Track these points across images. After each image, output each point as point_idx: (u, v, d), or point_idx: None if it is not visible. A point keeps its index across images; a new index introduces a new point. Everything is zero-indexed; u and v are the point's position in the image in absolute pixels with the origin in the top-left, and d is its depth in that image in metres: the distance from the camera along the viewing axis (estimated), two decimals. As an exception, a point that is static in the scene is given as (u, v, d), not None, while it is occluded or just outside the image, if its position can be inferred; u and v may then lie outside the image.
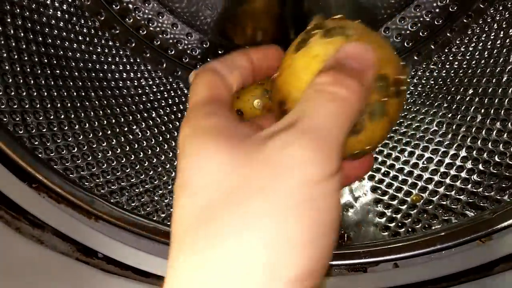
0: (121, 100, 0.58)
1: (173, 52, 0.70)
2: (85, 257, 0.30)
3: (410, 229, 0.48)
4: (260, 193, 0.17)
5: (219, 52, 0.72)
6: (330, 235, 0.18)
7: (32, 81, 0.46)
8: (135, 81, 0.63)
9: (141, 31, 0.68)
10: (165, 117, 0.62)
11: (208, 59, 0.72)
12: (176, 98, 0.67)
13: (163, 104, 0.64)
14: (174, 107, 0.65)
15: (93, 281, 0.29)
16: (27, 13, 0.49)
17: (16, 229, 0.29)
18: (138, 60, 0.67)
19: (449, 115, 0.55)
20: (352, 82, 0.20)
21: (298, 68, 0.22)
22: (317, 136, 0.18)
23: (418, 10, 0.66)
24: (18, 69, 0.45)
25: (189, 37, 0.70)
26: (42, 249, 0.29)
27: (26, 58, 0.47)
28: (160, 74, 0.69)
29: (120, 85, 0.60)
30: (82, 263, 0.30)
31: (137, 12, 0.68)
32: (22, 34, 0.48)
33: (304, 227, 0.17)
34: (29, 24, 0.49)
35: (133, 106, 0.59)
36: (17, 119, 0.43)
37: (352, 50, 0.21)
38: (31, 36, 0.49)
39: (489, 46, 0.55)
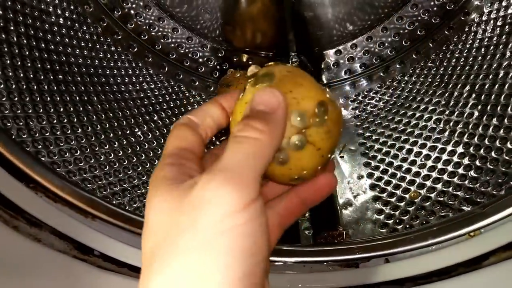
0: (123, 103, 0.59)
1: (174, 56, 0.72)
2: (82, 255, 0.31)
3: (408, 226, 0.49)
4: (187, 231, 0.21)
5: (219, 55, 0.73)
6: (259, 253, 0.21)
7: (35, 87, 0.48)
8: (137, 85, 0.64)
9: (142, 36, 0.70)
10: (167, 120, 0.63)
11: (209, 62, 0.73)
12: (178, 101, 0.68)
13: (164, 107, 0.65)
14: (176, 109, 0.66)
15: (90, 278, 0.30)
16: (30, 20, 0.51)
17: (14, 227, 0.30)
18: (140, 64, 0.68)
19: (447, 112, 0.55)
20: (259, 124, 0.23)
21: (236, 113, 0.26)
22: (231, 174, 0.21)
23: (415, 9, 0.67)
24: (22, 75, 0.47)
25: (190, 41, 0.72)
26: (40, 247, 0.30)
27: (29, 64, 0.48)
28: (161, 77, 0.70)
29: (122, 89, 0.61)
30: (79, 261, 0.30)
31: (138, 17, 0.69)
32: (25, 41, 0.49)
33: (230, 253, 0.20)
34: (32, 31, 0.51)
35: (135, 109, 0.60)
36: (21, 123, 0.44)
37: (261, 96, 0.24)
38: (34, 43, 0.50)
39: (485, 43, 0.56)
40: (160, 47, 0.71)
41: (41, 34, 0.52)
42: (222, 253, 0.20)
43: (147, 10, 0.69)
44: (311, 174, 0.26)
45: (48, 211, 0.32)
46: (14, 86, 0.45)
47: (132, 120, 0.59)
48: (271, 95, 0.24)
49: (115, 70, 0.63)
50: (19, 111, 0.44)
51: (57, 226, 0.31)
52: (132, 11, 0.69)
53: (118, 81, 0.62)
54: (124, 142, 0.55)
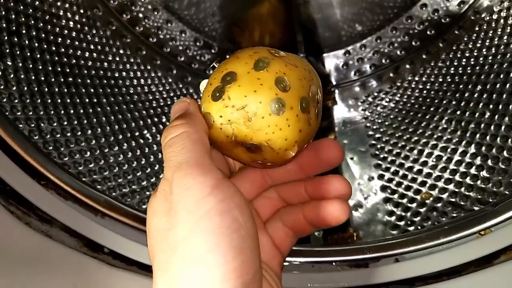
0: (132, 106, 0.59)
1: (182, 59, 0.72)
2: (92, 252, 0.31)
3: (419, 227, 0.48)
4: (172, 228, 0.22)
5: (227, 57, 0.73)
6: (242, 228, 0.22)
7: (46, 89, 0.48)
8: (146, 88, 0.65)
9: (151, 39, 0.70)
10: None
11: (216, 65, 0.73)
12: (186, 103, 0.68)
13: (173, 109, 0.65)
14: (184, 111, 0.66)
15: (100, 274, 0.30)
16: (41, 24, 0.51)
17: (26, 223, 0.31)
18: (149, 67, 0.69)
19: (458, 112, 0.55)
20: (178, 121, 0.24)
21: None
22: (186, 167, 0.22)
23: (424, 9, 0.66)
24: (33, 77, 0.47)
25: (198, 43, 0.72)
26: (51, 243, 0.30)
27: (40, 67, 0.49)
28: (170, 80, 0.70)
29: (131, 91, 0.62)
30: (90, 258, 0.31)
31: (146, 20, 0.70)
32: (36, 44, 0.50)
33: (212, 232, 0.21)
34: (43, 35, 0.51)
35: (144, 112, 0.60)
36: (32, 125, 0.45)
37: (173, 108, 0.27)
38: (45, 46, 0.51)
39: (496, 42, 0.55)
40: (169, 50, 0.72)
41: (52, 37, 0.52)
42: (207, 236, 0.21)
43: (156, 13, 0.70)
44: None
45: (59, 208, 0.32)
46: (25, 89, 0.46)
47: (141, 122, 0.59)
48: (180, 102, 0.27)
49: (124, 73, 0.64)
50: (30, 113, 0.45)
51: (67, 222, 0.31)
52: (140, 15, 0.69)
53: (127, 83, 0.63)
54: (133, 144, 0.55)
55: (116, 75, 0.61)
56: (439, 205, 0.48)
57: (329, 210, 0.26)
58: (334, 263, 0.35)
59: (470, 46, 0.60)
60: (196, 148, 0.23)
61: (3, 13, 0.46)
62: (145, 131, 0.58)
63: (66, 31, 0.56)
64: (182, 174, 0.22)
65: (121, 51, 0.66)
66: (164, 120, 0.62)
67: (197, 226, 0.21)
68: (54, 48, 0.52)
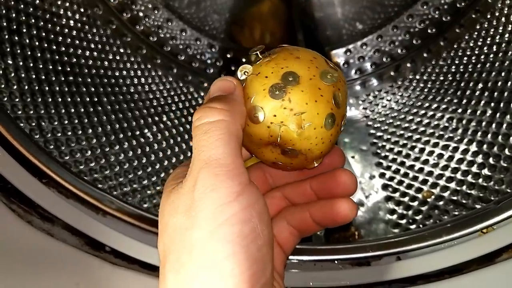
0: (132, 104, 0.59)
1: (183, 58, 0.72)
2: (93, 251, 0.31)
3: (421, 225, 0.48)
4: (188, 231, 0.21)
5: (228, 56, 0.73)
6: (260, 238, 0.21)
7: (46, 88, 0.48)
8: (146, 86, 0.65)
9: (151, 38, 0.70)
10: (176, 121, 0.63)
11: (218, 63, 0.73)
12: (186, 102, 0.68)
13: (173, 108, 0.65)
14: (184, 110, 0.66)
15: (102, 273, 0.30)
16: (42, 23, 0.51)
17: (28, 222, 0.31)
18: (149, 66, 0.69)
19: (459, 111, 0.55)
20: (219, 104, 0.23)
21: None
22: (213, 166, 0.21)
23: (425, 7, 0.66)
24: (34, 76, 0.47)
25: (198, 42, 0.72)
26: (53, 242, 0.30)
27: (41, 66, 0.49)
28: (170, 79, 0.70)
29: (132, 90, 0.62)
30: (92, 256, 0.31)
31: (147, 19, 0.69)
32: (37, 43, 0.49)
33: (232, 241, 0.20)
34: (44, 34, 0.51)
35: (144, 110, 0.60)
36: (33, 124, 0.45)
37: (215, 84, 0.25)
38: (46, 45, 0.51)
39: (497, 41, 0.55)
40: (169, 48, 0.71)
41: (52, 36, 0.52)
42: (225, 243, 0.20)
43: (156, 11, 0.70)
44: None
45: (61, 206, 0.32)
46: (26, 87, 0.46)
47: (142, 121, 0.59)
48: (225, 81, 0.24)
49: (124, 72, 0.64)
50: (31, 112, 0.45)
51: (69, 221, 0.31)
52: (141, 13, 0.69)
53: (128, 82, 0.63)
54: (134, 143, 0.55)
55: (117, 74, 0.61)
56: (440, 203, 0.48)
57: (339, 208, 0.26)
58: (336, 262, 0.35)
59: (471, 44, 0.60)
60: (231, 143, 0.22)
61: (4, 11, 0.46)
62: (146, 130, 0.58)
63: (66, 30, 0.55)
64: (211, 174, 0.21)
65: (122, 50, 0.66)
66: (164, 119, 0.62)
67: (216, 232, 0.20)
68: (54, 47, 0.52)
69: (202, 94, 0.72)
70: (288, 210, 0.28)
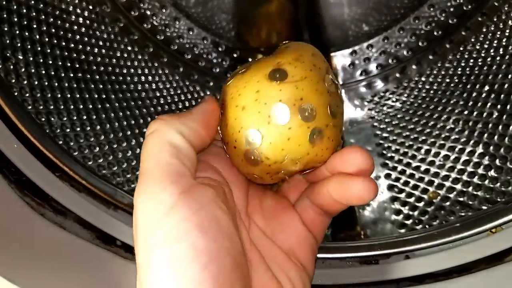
0: (140, 102, 0.60)
1: (189, 56, 0.72)
2: (104, 245, 0.31)
3: (427, 226, 0.48)
4: (137, 251, 0.20)
5: (234, 55, 0.73)
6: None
7: (56, 84, 0.48)
8: (153, 84, 0.65)
9: (158, 36, 0.70)
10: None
11: (224, 63, 0.73)
12: (193, 101, 0.68)
13: (180, 106, 0.65)
14: (191, 109, 0.66)
15: (114, 266, 0.30)
16: (52, 19, 0.52)
17: (41, 214, 0.31)
18: (156, 64, 0.69)
19: (465, 112, 0.55)
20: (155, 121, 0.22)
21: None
22: (144, 178, 0.20)
23: (432, 9, 0.67)
24: (43, 72, 0.47)
25: (205, 41, 0.72)
26: (65, 235, 0.30)
27: (50, 62, 0.49)
28: (177, 77, 0.70)
29: (139, 88, 0.62)
30: (104, 250, 0.31)
31: (154, 18, 0.70)
32: (47, 39, 0.50)
33: (162, 272, 0.19)
34: (54, 30, 0.51)
35: (151, 108, 0.60)
36: (43, 119, 0.45)
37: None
38: (55, 41, 0.51)
39: (504, 43, 0.55)
40: (176, 47, 0.72)
41: (62, 32, 0.53)
42: (162, 270, 0.18)
43: (163, 10, 0.70)
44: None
45: (73, 199, 0.32)
46: (36, 83, 0.46)
47: (149, 118, 0.59)
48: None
49: (131, 70, 0.64)
50: (41, 107, 0.45)
51: (81, 214, 0.32)
52: (148, 12, 0.69)
53: (135, 80, 0.63)
54: (141, 140, 0.55)
55: (124, 71, 0.61)
56: (446, 204, 0.49)
57: (352, 188, 0.24)
58: (344, 260, 0.35)
59: (477, 47, 0.61)
60: (163, 152, 0.21)
61: (15, 7, 0.46)
62: (153, 128, 0.59)
63: (75, 27, 0.56)
64: (142, 190, 0.20)
65: (129, 48, 0.66)
66: (171, 117, 0.62)
67: (151, 255, 0.19)
68: (64, 44, 0.52)
69: (208, 93, 0.72)
70: (309, 189, 0.27)
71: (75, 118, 0.49)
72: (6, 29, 0.44)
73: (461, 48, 0.64)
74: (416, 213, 0.51)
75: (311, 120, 0.23)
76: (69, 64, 0.52)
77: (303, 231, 0.26)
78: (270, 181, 0.26)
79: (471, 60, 0.60)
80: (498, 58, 0.55)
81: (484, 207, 0.45)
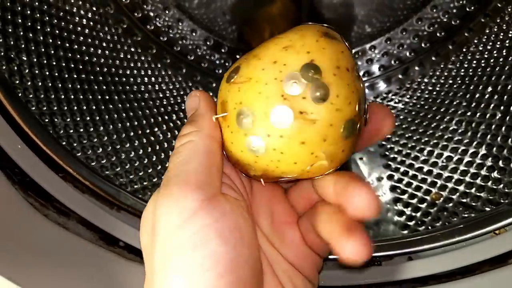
0: (143, 103, 0.60)
1: (192, 58, 0.72)
2: (107, 246, 0.31)
3: (429, 227, 0.48)
4: (152, 254, 0.20)
5: (237, 56, 0.74)
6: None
7: (59, 85, 0.49)
8: (156, 85, 0.65)
9: (161, 38, 0.70)
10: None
11: (227, 64, 0.74)
12: (196, 102, 0.68)
13: (183, 107, 0.66)
14: (194, 110, 0.66)
15: (117, 267, 0.30)
16: (55, 20, 0.52)
17: (44, 215, 0.31)
18: (159, 66, 0.69)
19: (468, 114, 0.55)
20: (187, 128, 0.23)
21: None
22: (169, 187, 0.20)
23: (435, 10, 0.67)
24: (47, 73, 0.48)
25: (208, 43, 0.72)
26: (68, 235, 0.31)
27: (54, 63, 0.49)
28: (180, 78, 0.71)
29: (142, 89, 0.62)
30: (107, 251, 0.31)
31: (158, 19, 0.70)
32: (50, 41, 0.50)
33: (180, 276, 0.19)
34: (57, 31, 0.52)
35: (155, 109, 0.61)
36: (46, 120, 0.45)
37: (186, 103, 0.25)
38: (59, 42, 0.51)
39: (506, 44, 0.55)
40: (179, 48, 0.72)
41: (65, 34, 0.53)
42: (179, 274, 0.18)
43: (167, 11, 0.70)
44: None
45: (77, 200, 0.32)
46: (40, 84, 0.46)
47: (152, 119, 0.59)
48: (189, 97, 0.25)
49: (135, 71, 0.64)
50: (44, 108, 0.45)
51: (84, 215, 0.32)
52: (151, 13, 0.70)
53: (138, 81, 0.63)
54: (145, 141, 0.56)
55: (128, 72, 0.61)
56: (449, 205, 0.48)
57: (346, 249, 0.22)
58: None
59: (480, 48, 0.61)
60: (196, 164, 0.21)
61: (19, 8, 0.46)
62: (156, 129, 0.59)
63: (79, 28, 0.56)
64: (166, 193, 0.20)
65: (132, 49, 0.66)
66: (174, 118, 0.63)
67: (169, 261, 0.19)
68: (67, 45, 0.53)
69: (211, 94, 0.72)
70: (311, 211, 0.25)
71: (78, 119, 0.49)
72: (10, 30, 0.45)
73: (464, 49, 0.64)
74: (419, 214, 0.51)
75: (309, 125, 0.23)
76: (72, 65, 0.52)
77: (305, 250, 0.25)
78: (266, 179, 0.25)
79: (474, 62, 0.60)
80: (501, 59, 0.55)
81: (488, 209, 0.45)
